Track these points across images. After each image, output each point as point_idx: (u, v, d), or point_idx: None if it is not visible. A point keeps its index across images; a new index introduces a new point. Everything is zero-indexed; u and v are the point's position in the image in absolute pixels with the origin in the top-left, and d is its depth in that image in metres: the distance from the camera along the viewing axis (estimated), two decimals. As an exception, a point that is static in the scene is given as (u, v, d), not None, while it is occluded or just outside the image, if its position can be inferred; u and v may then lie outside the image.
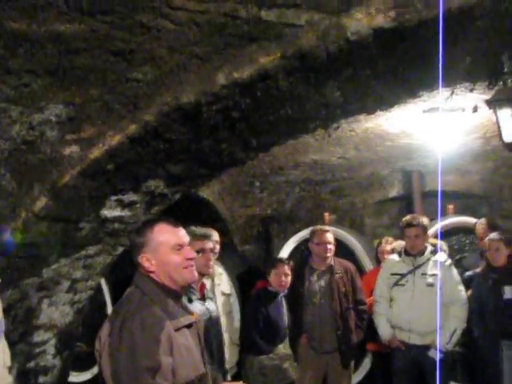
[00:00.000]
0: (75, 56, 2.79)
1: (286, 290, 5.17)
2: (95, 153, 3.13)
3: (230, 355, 4.79)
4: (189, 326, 2.45)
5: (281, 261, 5.27)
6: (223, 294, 5.08)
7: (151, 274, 2.41)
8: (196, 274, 2.58)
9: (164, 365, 2.24)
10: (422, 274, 4.92)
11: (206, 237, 3.64)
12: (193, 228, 3.57)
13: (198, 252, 3.27)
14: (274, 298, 5.05)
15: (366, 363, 6.21)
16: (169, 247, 2.43)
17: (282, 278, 5.05)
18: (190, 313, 2.56)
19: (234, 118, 3.24)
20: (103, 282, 6.61)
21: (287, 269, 5.11)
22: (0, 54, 2.68)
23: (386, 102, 3.73)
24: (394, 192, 7.52)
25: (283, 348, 5.06)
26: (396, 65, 3.13)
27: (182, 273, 2.45)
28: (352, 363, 5.46)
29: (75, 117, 3.04)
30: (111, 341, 2.26)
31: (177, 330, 2.35)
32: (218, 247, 4.23)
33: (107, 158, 3.17)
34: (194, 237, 3.43)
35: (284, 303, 5.16)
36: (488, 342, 5.04)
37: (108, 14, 2.80)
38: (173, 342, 2.30)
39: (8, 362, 2.61)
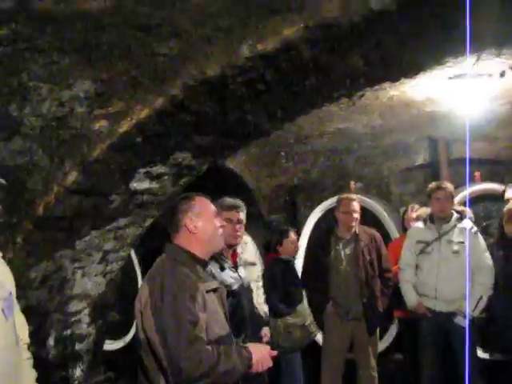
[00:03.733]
0: (102, 32, 2.83)
1: (296, 257, 5.69)
2: (123, 127, 3.19)
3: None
4: (214, 291, 2.71)
5: (290, 230, 5.68)
6: (246, 263, 5.21)
7: (187, 243, 2.70)
8: (223, 242, 2.98)
9: (201, 319, 2.49)
10: (448, 242, 4.93)
11: (234, 207, 3.70)
12: (222, 199, 3.65)
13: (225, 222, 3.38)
14: (288, 264, 5.42)
15: (393, 330, 6.27)
16: (210, 213, 2.79)
17: (294, 245, 5.58)
18: (215, 280, 2.88)
19: (259, 89, 3.26)
20: (133, 253, 6.75)
21: (293, 235, 5.63)
22: (29, 33, 2.73)
23: (411, 70, 3.70)
24: (420, 160, 7.48)
25: (302, 308, 5.40)
26: (421, 31, 3.10)
27: (217, 238, 2.83)
28: (378, 330, 5.52)
29: (103, 92, 3.09)
30: (153, 300, 2.52)
31: (206, 292, 2.61)
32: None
33: (135, 131, 3.23)
34: (222, 207, 3.52)
35: (296, 269, 5.64)
36: (501, 309, 5.04)
37: (133, -10, 2.84)
38: (205, 301, 2.56)
39: (26, 339, 2.68)
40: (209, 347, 2.48)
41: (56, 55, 2.89)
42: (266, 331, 4.78)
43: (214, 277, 3.00)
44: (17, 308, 2.58)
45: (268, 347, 2.83)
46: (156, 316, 2.49)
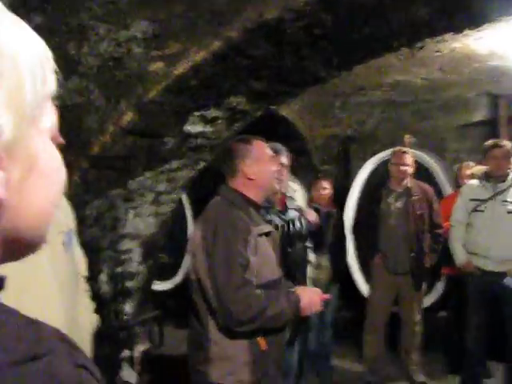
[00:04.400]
0: (161, -28, 2.81)
1: (330, 208, 5.52)
2: (179, 69, 3.18)
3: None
4: (267, 234, 2.72)
5: (318, 177, 5.73)
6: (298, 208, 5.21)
7: (243, 187, 2.73)
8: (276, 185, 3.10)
9: (252, 263, 2.52)
10: (503, 201, 4.81)
11: (275, 151, 3.70)
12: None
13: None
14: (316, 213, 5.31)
15: (440, 287, 6.23)
16: (267, 158, 2.81)
17: (320, 192, 5.47)
18: (268, 223, 2.91)
19: (317, 35, 3.20)
20: (184, 197, 6.86)
21: (325, 183, 5.51)
22: (88, -29, 2.73)
23: (476, 20, 3.55)
24: (479, 116, 7.24)
25: (324, 257, 5.33)
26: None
27: (272, 181, 2.90)
28: (424, 286, 5.50)
29: (160, 33, 3.08)
30: (206, 242, 2.56)
31: (259, 235, 2.63)
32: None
33: (191, 73, 3.22)
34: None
35: (328, 219, 5.47)
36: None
37: None
38: (257, 245, 2.58)
39: (84, 272, 2.77)
40: (258, 291, 2.51)
41: (114, -6, 2.89)
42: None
43: (267, 220, 3.02)
44: (76, 243, 2.66)
45: (318, 290, 2.83)
46: (208, 258, 2.53)
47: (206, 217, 2.68)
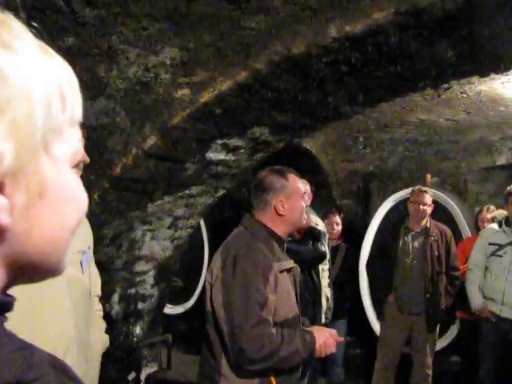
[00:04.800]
0: (192, 2, 2.86)
1: (339, 242, 5.70)
2: (205, 97, 3.23)
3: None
4: (288, 270, 2.65)
5: (332, 211, 5.75)
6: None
7: (269, 220, 2.66)
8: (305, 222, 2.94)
9: (270, 301, 2.45)
10: (522, 247, 4.77)
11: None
12: None
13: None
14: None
15: (453, 330, 6.14)
16: (300, 194, 2.73)
17: (333, 226, 5.61)
18: (290, 259, 2.76)
19: (343, 71, 3.23)
20: (202, 222, 6.88)
21: (338, 219, 5.66)
22: (129, -3, 2.80)
23: (503, 65, 3.57)
24: (502, 160, 7.22)
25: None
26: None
27: (302, 218, 2.76)
28: (438, 328, 5.43)
29: (188, 61, 3.13)
30: (224, 275, 2.49)
31: (280, 272, 2.55)
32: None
33: (216, 102, 3.26)
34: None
35: (339, 252, 5.68)
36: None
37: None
38: (277, 282, 2.51)
39: (98, 291, 2.78)
40: (273, 330, 2.44)
41: (146, 21, 2.94)
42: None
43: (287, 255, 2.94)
44: (92, 262, 2.68)
45: (334, 332, 2.74)
46: (225, 291, 2.46)
47: (227, 247, 2.60)
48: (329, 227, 5.54)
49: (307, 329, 2.70)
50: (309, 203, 4.10)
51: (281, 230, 2.68)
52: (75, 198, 0.69)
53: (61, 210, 0.66)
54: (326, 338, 2.62)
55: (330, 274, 5.31)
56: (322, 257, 4.45)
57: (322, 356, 2.67)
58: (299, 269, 2.83)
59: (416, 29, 2.90)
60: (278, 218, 2.65)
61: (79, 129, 0.70)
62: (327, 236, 4.67)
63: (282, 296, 2.54)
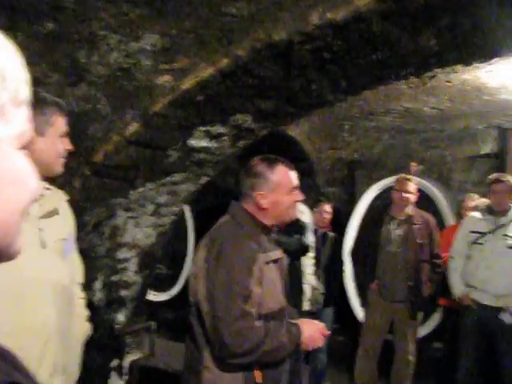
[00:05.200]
0: (173, -13, 2.84)
1: (326, 230, 5.72)
2: (186, 84, 3.20)
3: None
4: (275, 261, 2.58)
5: (322, 200, 5.79)
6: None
7: (256, 210, 2.56)
8: (295, 213, 2.78)
9: (254, 294, 2.39)
10: (503, 235, 4.80)
11: None
12: None
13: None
14: (315, 234, 5.42)
15: (436, 318, 6.20)
16: (285, 189, 2.57)
17: (322, 215, 5.64)
18: (277, 249, 2.69)
19: (325, 58, 3.22)
20: (186, 210, 6.88)
21: (328, 207, 5.65)
22: (102, -18, 2.77)
23: (486, 55, 3.58)
24: (486, 149, 7.26)
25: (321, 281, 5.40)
26: (500, 16, 2.99)
27: (289, 212, 2.63)
28: (420, 315, 5.48)
29: (170, 47, 3.11)
30: (208, 266, 2.42)
31: (266, 263, 2.48)
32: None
33: (198, 89, 3.24)
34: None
35: (327, 240, 5.66)
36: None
37: None
38: (263, 274, 2.44)
39: (80, 279, 2.77)
40: (258, 323, 2.39)
41: (127, 6, 2.91)
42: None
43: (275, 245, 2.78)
44: (74, 249, 2.67)
45: (321, 325, 2.66)
46: (208, 284, 2.40)
47: (212, 237, 2.53)
48: (318, 215, 5.58)
49: (294, 321, 2.63)
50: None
51: (267, 221, 2.59)
52: (21, 180, 0.66)
53: (5, 193, 0.63)
54: (313, 332, 2.57)
55: (320, 263, 5.35)
56: (305, 250, 4.45)
57: (309, 349, 2.63)
58: (286, 259, 2.81)
59: (398, 16, 2.89)
60: (261, 211, 2.56)
61: (27, 109, 0.68)
62: (310, 227, 4.68)
63: (268, 288, 2.48)
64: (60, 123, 2.38)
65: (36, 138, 2.18)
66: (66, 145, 2.43)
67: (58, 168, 2.41)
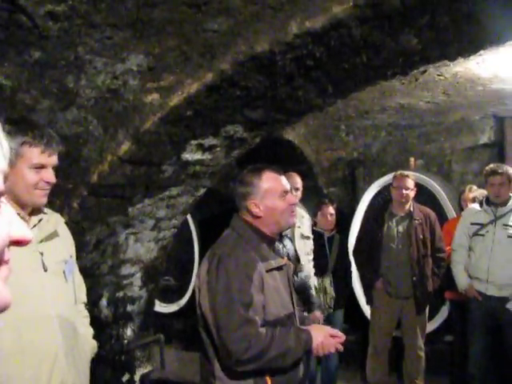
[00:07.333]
0: (153, 9, 2.89)
1: (333, 233, 5.66)
2: (174, 100, 3.26)
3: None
4: (279, 269, 2.62)
5: (325, 202, 5.69)
6: (302, 236, 5.23)
7: (254, 220, 2.60)
8: (294, 220, 2.82)
9: (256, 301, 2.42)
10: (504, 225, 4.81)
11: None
12: None
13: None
14: (320, 238, 5.38)
15: (444, 311, 6.21)
16: (276, 194, 2.60)
17: (327, 217, 5.57)
18: (281, 256, 2.76)
19: (309, 65, 3.26)
20: (190, 219, 6.93)
21: (331, 209, 5.57)
22: (84, 9, 2.81)
23: (469, 50, 3.61)
24: (484, 138, 7.27)
25: (328, 281, 5.38)
26: (479, 10, 3.02)
27: (286, 218, 2.64)
28: (427, 310, 5.49)
29: (155, 66, 3.17)
30: (209, 278, 2.48)
31: (268, 271, 2.52)
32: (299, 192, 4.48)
33: (186, 104, 3.30)
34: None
35: (334, 243, 5.63)
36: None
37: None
38: (264, 281, 2.48)
39: (84, 298, 2.82)
40: (262, 330, 2.41)
41: (110, 30, 2.97)
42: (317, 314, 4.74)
43: (278, 253, 2.80)
44: (76, 270, 2.71)
45: (334, 331, 2.63)
46: (210, 295, 2.45)
47: (214, 250, 2.58)
48: (323, 218, 5.57)
49: (305, 327, 2.64)
50: (299, 198, 4.10)
51: (266, 230, 2.62)
52: None
53: None
54: (325, 338, 2.55)
55: (328, 266, 5.37)
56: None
57: (320, 355, 2.64)
58: (292, 266, 2.82)
59: (376, 20, 2.93)
60: (257, 219, 2.59)
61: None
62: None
63: (271, 295, 2.50)
64: (31, 154, 2.23)
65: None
66: (44, 176, 2.28)
67: (36, 199, 2.30)
